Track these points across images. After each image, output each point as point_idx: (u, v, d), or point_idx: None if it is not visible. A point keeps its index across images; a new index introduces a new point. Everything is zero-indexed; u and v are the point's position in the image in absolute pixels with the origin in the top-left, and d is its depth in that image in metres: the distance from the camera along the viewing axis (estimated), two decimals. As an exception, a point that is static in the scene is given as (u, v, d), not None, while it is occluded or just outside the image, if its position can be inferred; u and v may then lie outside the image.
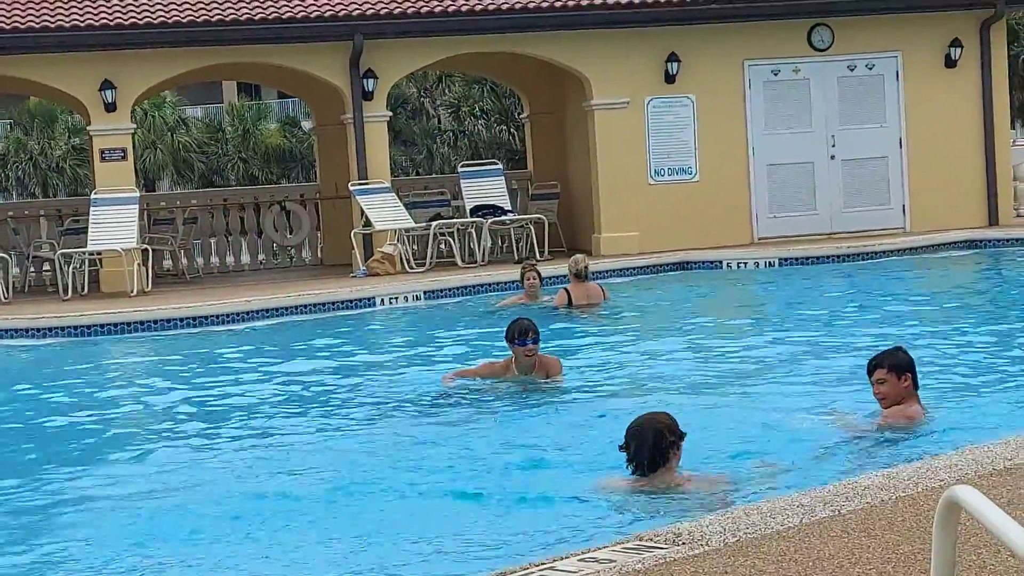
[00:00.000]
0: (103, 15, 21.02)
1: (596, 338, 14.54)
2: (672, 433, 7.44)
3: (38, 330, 17.13)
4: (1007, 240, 21.46)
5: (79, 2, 21.43)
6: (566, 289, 16.36)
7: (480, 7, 21.84)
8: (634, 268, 20.54)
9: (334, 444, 10.03)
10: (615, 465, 7.83)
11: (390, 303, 18.47)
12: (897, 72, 23.05)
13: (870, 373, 8.88)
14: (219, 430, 10.87)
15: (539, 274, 17.06)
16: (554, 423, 10.25)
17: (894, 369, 8.78)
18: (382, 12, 21.62)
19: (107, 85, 21.09)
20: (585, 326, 15.46)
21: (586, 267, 16.51)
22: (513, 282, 17.97)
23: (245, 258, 24.78)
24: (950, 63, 23.11)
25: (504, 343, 11.49)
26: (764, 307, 17.35)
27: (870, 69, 23.03)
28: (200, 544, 7.47)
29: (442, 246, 22.43)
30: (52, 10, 21.14)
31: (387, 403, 11.67)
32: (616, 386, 11.55)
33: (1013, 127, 29.82)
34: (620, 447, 7.54)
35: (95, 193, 21.12)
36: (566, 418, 10.39)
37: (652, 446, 7.39)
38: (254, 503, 8.32)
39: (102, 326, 17.16)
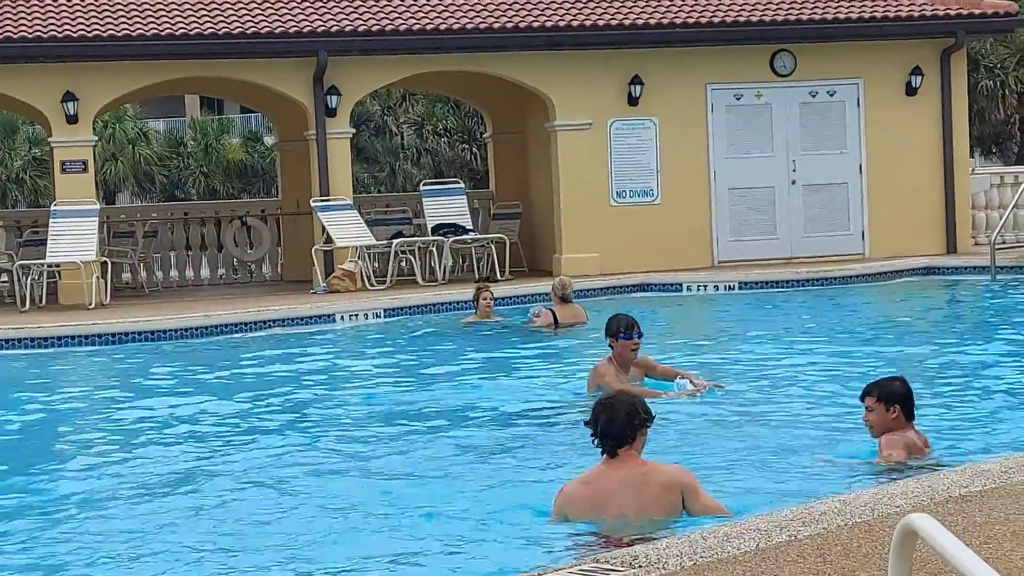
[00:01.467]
0: (66, 26, 20.94)
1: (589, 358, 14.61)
2: (644, 411, 7.30)
3: (-6, 341, 17.00)
4: (965, 268, 21.59)
5: (42, 13, 21.35)
6: (551, 310, 16.49)
7: (444, 26, 21.88)
8: (595, 289, 20.56)
9: (287, 459, 9.97)
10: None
11: (350, 320, 18.46)
12: (858, 99, 23.20)
13: (862, 398, 8.79)
14: (175, 444, 10.80)
15: (493, 294, 17.26)
16: (532, 440, 10.24)
17: (883, 398, 8.64)
18: (346, 29, 21.62)
19: (69, 97, 21.00)
20: (574, 345, 15.51)
21: (572, 291, 16.69)
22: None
23: (205, 272, 24.70)
24: (911, 91, 23.27)
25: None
26: (734, 329, 17.36)
27: (831, 95, 23.17)
28: (149, 559, 7.42)
29: (403, 264, 22.42)
30: (15, 21, 21.05)
31: (343, 420, 11.64)
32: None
33: (972, 156, 30.03)
34: (585, 422, 7.40)
35: (55, 205, 21.03)
36: (549, 436, 10.37)
37: (623, 420, 7.21)
38: (209, 520, 8.28)
39: (59, 338, 17.06)
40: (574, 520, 7.32)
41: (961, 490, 6.72)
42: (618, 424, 7.21)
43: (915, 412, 8.77)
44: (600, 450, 7.30)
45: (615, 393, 7.63)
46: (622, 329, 11.24)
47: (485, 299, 17.13)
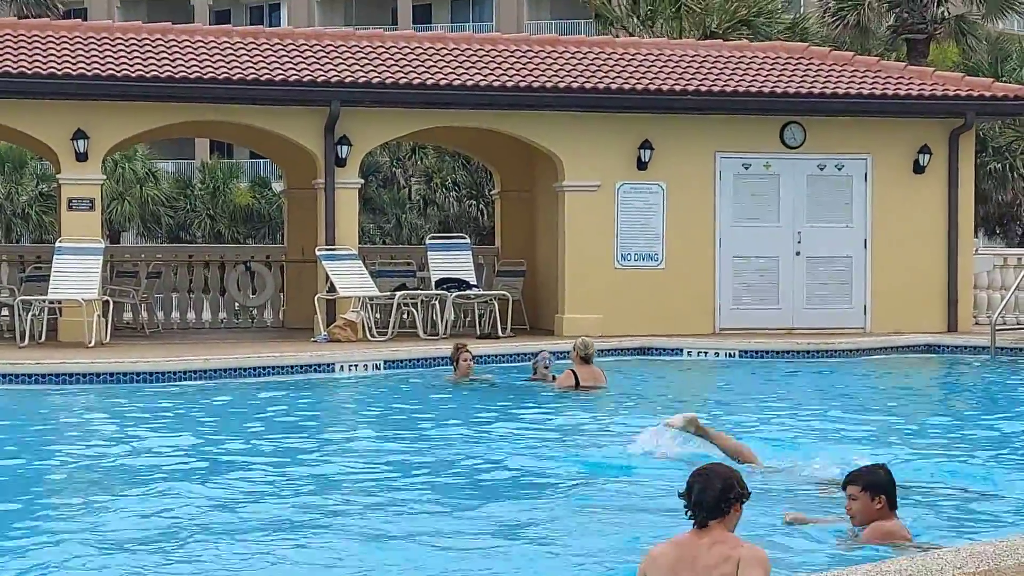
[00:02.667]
0: (81, 65, 21.03)
1: (617, 418, 14.49)
2: (741, 486, 7.00)
3: (-8, 375, 16.93)
4: (965, 347, 21.58)
5: (57, 50, 21.45)
6: (572, 371, 16.33)
7: (458, 82, 21.97)
8: (596, 350, 20.50)
9: (274, 509, 9.90)
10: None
11: (350, 370, 18.44)
12: (866, 174, 23.28)
13: (844, 487, 8.63)
14: (164, 488, 10.68)
15: (472, 354, 17.19)
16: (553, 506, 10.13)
17: (868, 488, 8.47)
18: (360, 80, 21.71)
19: (80, 135, 21.07)
20: (596, 407, 15.39)
21: (594, 351, 16.47)
22: (475, 357, 17.94)
23: (206, 315, 24.70)
24: (918, 169, 23.36)
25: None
26: (733, 395, 17.30)
27: (840, 169, 23.25)
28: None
29: (405, 316, 22.43)
30: (30, 56, 21.15)
31: (336, 471, 11.60)
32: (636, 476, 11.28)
33: (976, 236, 30.10)
34: (679, 494, 7.02)
35: (60, 241, 21.05)
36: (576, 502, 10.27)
37: (719, 492, 6.91)
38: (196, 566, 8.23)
39: (57, 376, 17.01)
40: None
41: (955, 571, 6.68)
42: (712, 493, 6.92)
43: (898, 501, 8.57)
44: (692, 520, 6.97)
45: (714, 464, 7.30)
46: None
47: (465, 359, 17.00)
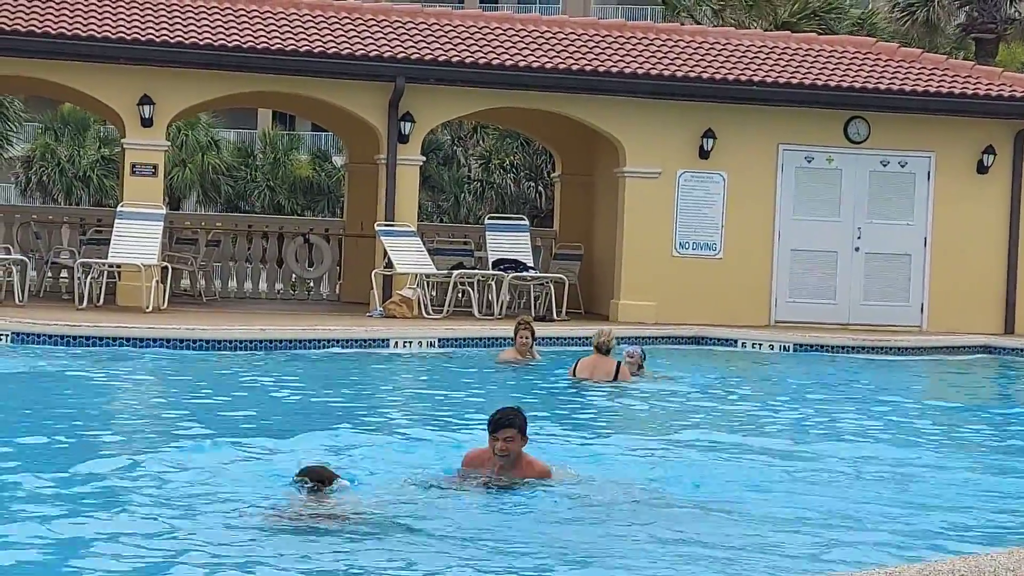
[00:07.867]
0: (150, 31, 21.17)
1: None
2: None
3: (49, 336, 17.08)
4: (1021, 350, 21.43)
5: (127, 15, 21.59)
6: (579, 360, 15.84)
7: (524, 63, 21.99)
8: (649, 338, 20.50)
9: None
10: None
11: (404, 346, 18.49)
12: (929, 172, 23.15)
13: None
14: (212, 454, 10.66)
15: (533, 331, 16.92)
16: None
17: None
18: (426, 57, 21.76)
19: (146, 100, 21.21)
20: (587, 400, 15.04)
21: (607, 342, 15.34)
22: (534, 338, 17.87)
23: (263, 286, 24.84)
24: (982, 169, 23.21)
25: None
26: (788, 388, 17.22)
27: (903, 166, 23.13)
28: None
29: (461, 295, 22.47)
30: (100, 20, 21.29)
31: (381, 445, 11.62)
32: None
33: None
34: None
35: (121, 206, 21.21)
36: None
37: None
38: (239, 534, 8.25)
39: (114, 339, 17.14)
40: None
41: (1008, 573, 6.66)
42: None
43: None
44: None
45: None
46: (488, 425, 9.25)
47: (523, 337, 16.70)
